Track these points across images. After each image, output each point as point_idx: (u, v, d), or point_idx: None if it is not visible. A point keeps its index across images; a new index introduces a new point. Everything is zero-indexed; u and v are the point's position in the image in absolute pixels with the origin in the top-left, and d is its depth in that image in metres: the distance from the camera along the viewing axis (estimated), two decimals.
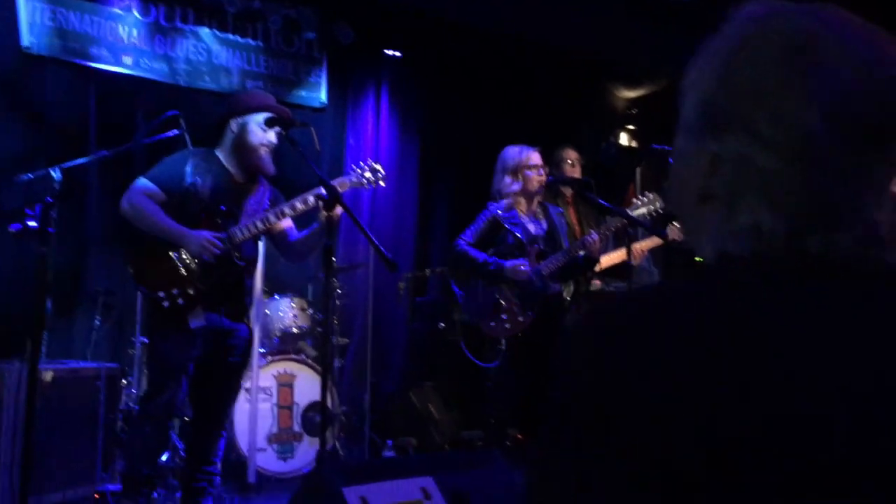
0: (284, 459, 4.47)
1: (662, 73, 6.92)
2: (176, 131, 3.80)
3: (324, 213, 3.26)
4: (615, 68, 6.97)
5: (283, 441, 4.49)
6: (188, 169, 3.35)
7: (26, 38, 4.86)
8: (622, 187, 6.92)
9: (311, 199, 3.35)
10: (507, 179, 3.98)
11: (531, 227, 3.99)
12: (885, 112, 0.72)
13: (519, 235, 3.91)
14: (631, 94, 7.20)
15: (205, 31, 5.62)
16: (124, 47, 5.34)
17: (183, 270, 3.26)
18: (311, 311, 4.91)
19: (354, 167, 3.51)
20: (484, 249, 3.92)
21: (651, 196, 4.05)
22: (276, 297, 4.87)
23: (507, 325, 3.82)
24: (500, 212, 3.94)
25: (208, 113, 5.34)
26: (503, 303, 3.84)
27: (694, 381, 0.65)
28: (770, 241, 0.72)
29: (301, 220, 3.58)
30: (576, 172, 4.90)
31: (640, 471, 0.64)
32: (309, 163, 3.10)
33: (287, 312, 4.79)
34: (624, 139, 7.17)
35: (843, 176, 0.71)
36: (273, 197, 3.54)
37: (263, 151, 3.40)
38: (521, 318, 3.83)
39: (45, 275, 2.60)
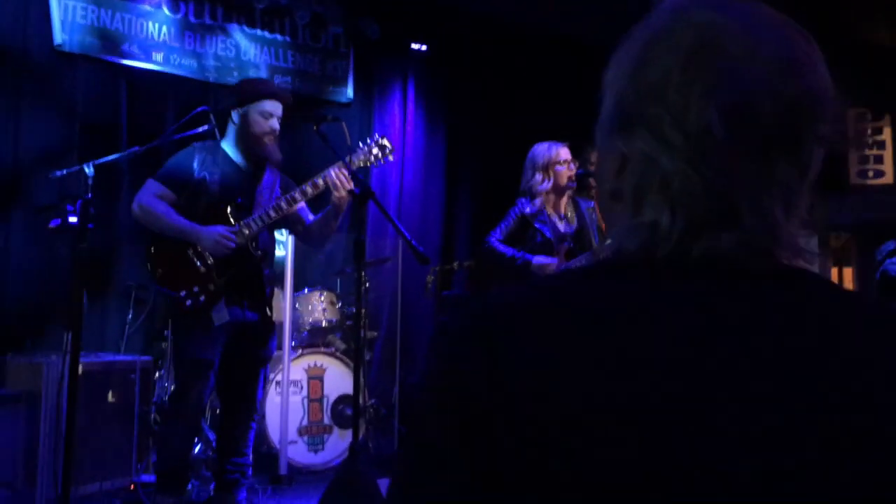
0: (315, 452, 4.51)
1: None
2: (206, 127, 3.84)
3: (335, 194, 3.29)
4: None
5: (314, 434, 4.53)
6: (195, 165, 3.35)
7: (59, 36, 4.92)
8: None
9: (320, 182, 3.34)
10: (538, 177, 3.97)
11: (560, 226, 3.98)
12: (792, 114, 0.70)
13: (547, 234, 3.91)
14: None
15: (233, 28, 5.66)
16: (155, 44, 5.39)
17: (201, 268, 3.27)
18: (340, 304, 4.94)
19: (361, 144, 3.46)
20: (513, 247, 3.92)
21: None
22: (306, 290, 4.91)
23: None
24: (528, 209, 3.94)
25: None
26: None
27: (545, 374, 0.66)
28: (663, 239, 0.71)
29: (316, 204, 3.59)
30: None
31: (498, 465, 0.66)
32: (342, 159, 3.12)
33: (316, 306, 4.83)
34: None
35: (743, 178, 0.70)
36: (284, 184, 3.54)
37: (267, 140, 3.40)
38: None
39: (84, 270, 2.64)
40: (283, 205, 3.34)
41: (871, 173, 10.01)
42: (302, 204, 3.42)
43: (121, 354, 4.13)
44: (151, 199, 3.30)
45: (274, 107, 3.45)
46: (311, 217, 3.54)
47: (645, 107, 0.72)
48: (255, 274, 3.45)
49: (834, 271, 10.77)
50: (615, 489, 0.63)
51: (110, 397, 3.92)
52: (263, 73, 5.78)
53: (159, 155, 5.10)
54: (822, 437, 0.65)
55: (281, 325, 4.65)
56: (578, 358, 0.66)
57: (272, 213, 3.34)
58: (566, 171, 3.95)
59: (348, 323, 5.00)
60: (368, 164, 3.43)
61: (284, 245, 4.42)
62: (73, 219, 2.63)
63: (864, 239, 10.29)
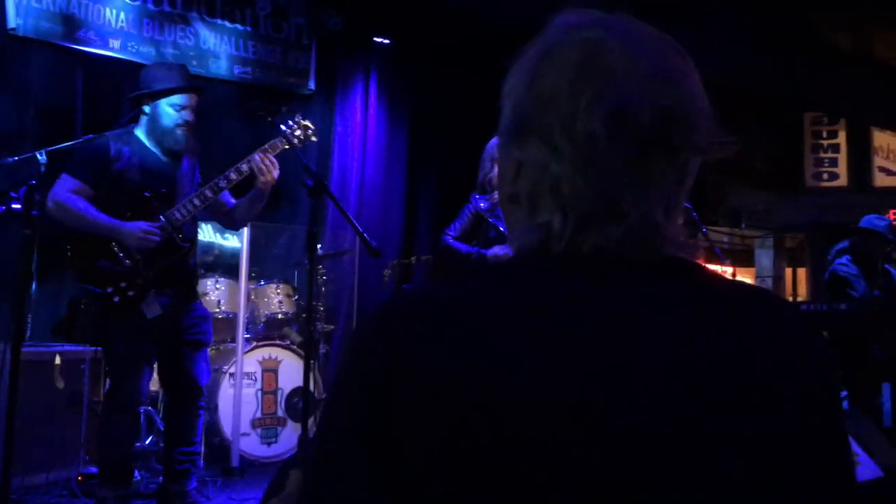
0: (268, 444, 4.50)
1: None
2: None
3: (260, 179, 3.27)
4: None
5: (267, 426, 4.52)
6: (112, 156, 3.26)
7: (13, 20, 4.84)
8: None
9: (244, 167, 3.30)
10: (496, 169, 4.00)
11: None
12: (667, 122, 0.75)
13: (501, 229, 3.94)
14: None
15: (193, 16, 5.61)
16: (112, 31, 5.32)
17: (127, 262, 3.20)
18: (296, 297, 4.93)
19: (283, 127, 3.39)
20: (469, 243, 3.95)
21: None
22: (262, 282, 4.89)
23: None
24: (483, 205, 3.97)
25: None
26: None
27: (447, 369, 0.69)
28: (558, 238, 0.76)
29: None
30: None
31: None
32: (298, 154, 3.11)
33: (273, 298, 4.81)
34: None
35: (624, 181, 0.75)
36: (201, 169, 3.51)
37: (180, 131, 3.34)
38: None
39: (30, 258, 2.61)
40: (209, 193, 3.29)
41: (825, 176, 10.22)
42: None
43: (70, 344, 4.07)
44: (68, 195, 3.19)
45: (187, 98, 3.37)
46: (232, 201, 3.49)
47: (538, 116, 0.78)
48: (183, 263, 3.40)
49: (788, 271, 11.00)
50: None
51: (59, 387, 3.87)
52: (224, 63, 5.74)
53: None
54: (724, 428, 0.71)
55: (236, 316, 4.63)
56: (495, 359, 0.69)
57: (197, 202, 3.28)
58: None
59: (304, 316, 4.99)
60: (294, 145, 3.35)
61: (240, 237, 4.39)
62: (16, 206, 2.59)
63: (818, 239, 10.49)
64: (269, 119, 3.19)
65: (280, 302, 4.82)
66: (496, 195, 4.00)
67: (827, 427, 0.75)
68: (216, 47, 5.74)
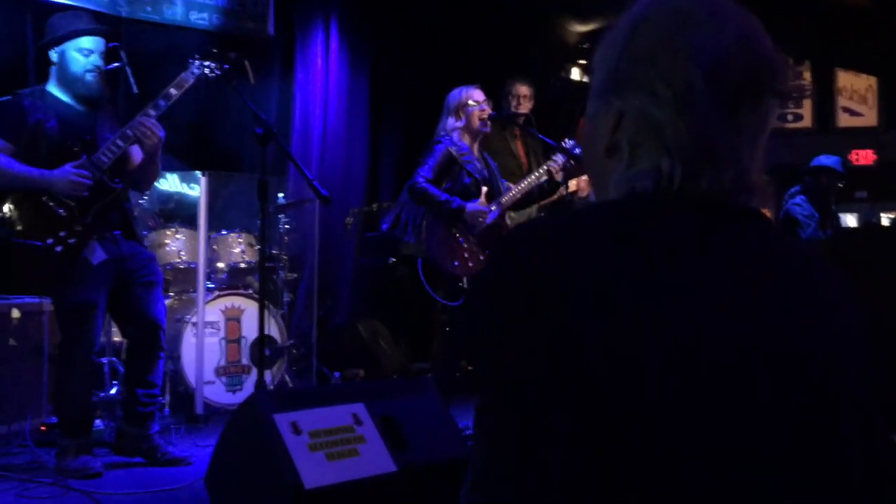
0: (233, 392, 4.54)
1: (614, 8, 6.90)
2: (117, 64, 3.72)
3: (146, 143, 3.25)
4: (567, 2, 6.93)
5: (232, 374, 4.55)
6: (27, 110, 3.21)
7: None
8: (573, 121, 6.96)
9: (161, 102, 3.26)
10: (451, 120, 4.01)
11: (479, 166, 4.04)
12: (753, 73, 0.85)
13: (474, 173, 3.96)
14: (583, 28, 7.19)
15: None
16: None
17: (62, 212, 3.17)
18: (258, 246, 4.91)
19: (191, 61, 3.37)
20: (439, 185, 3.95)
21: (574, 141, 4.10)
22: (224, 232, 4.88)
23: (471, 264, 3.89)
24: (453, 147, 3.97)
25: (150, 45, 5.26)
26: (464, 242, 3.90)
27: (583, 292, 0.75)
28: (669, 180, 0.84)
29: None
30: (525, 107, 4.91)
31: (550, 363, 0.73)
32: (245, 99, 3.09)
33: (234, 248, 4.80)
34: (576, 74, 7.18)
35: (720, 126, 0.84)
36: (112, 118, 3.46)
37: (90, 76, 3.29)
38: (482, 257, 3.90)
39: None
40: (129, 132, 3.25)
41: (790, 117, 10.27)
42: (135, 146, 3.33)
43: (29, 297, 4.05)
44: None
45: (95, 42, 3.32)
46: (141, 156, 3.42)
47: (638, 71, 0.86)
48: (119, 206, 3.39)
49: None
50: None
51: (14, 340, 3.87)
52: (179, 8, 5.62)
53: None
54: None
55: (197, 266, 4.62)
56: (654, 288, 0.76)
57: (120, 143, 3.25)
58: (477, 112, 3.98)
59: (268, 264, 4.99)
60: (207, 79, 3.35)
61: (198, 186, 4.36)
62: None
63: (783, 181, 10.60)
64: (221, 73, 3.15)
65: (242, 251, 4.81)
66: (457, 135, 4.00)
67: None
68: None
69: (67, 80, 3.29)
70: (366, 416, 2.47)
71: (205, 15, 5.77)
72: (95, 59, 3.30)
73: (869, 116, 10.09)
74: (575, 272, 0.75)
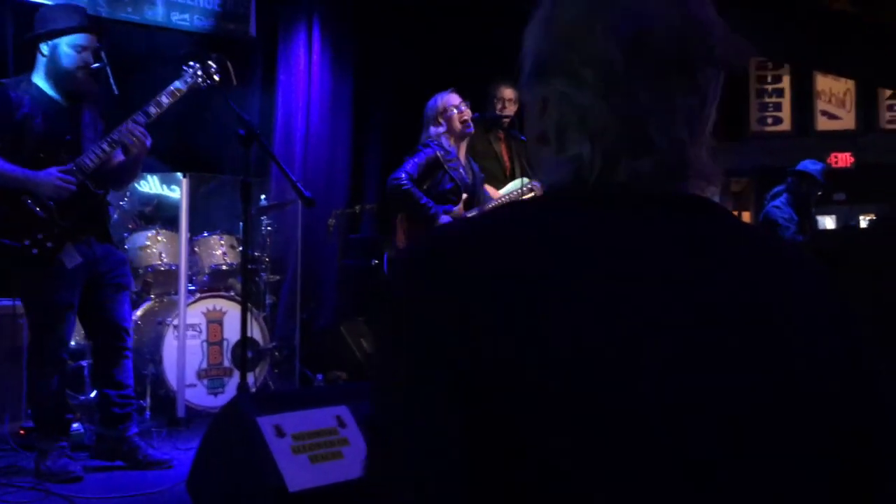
0: (215, 395, 4.51)
1: None
2: (97, 64, 3.69)
3: (132, 150, 3.22)
4: None
5: (214, 377, 4.53)
6: (12, 104, 3.16)
7: None
8: None
9: (152, 109, 3.24)
10: (431, 128, 4.02)
11: (463, 173, 4.05)
12: (681, 42, 0.77)
13: (456, 178, 3.96)
14: None
15: None
16: None
17: (41, 213, 3.13)
18: (240, 248, 4.90)
19: (185, 68, 3.35)
20: (421, 186, 3.96)
21: None
22: (206, 234, 4.86)
23: None
24: (441, 152, 3.97)
25: (131, 46, 5.23)
26: None
27: (493, 298, 0.70)
28: (588, 170, 0.78)
29: None
30: (510, 110, 4.92)
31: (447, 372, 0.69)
32: (228, 100, 3.08)
33: (216, 250, 4.78)
34: None
35: (649, 105, 0.77)
36: (101, 114, 3.43)
37: (81, 74, 3.26)
38: None
39: None
40: (116, 137, 3.22)
41: (770, 121, 10.38)
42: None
43: (4, 299, 4.01)
44: None
45: (88, 39, 3.29)
46: (121, 158, 3.39)
47: (558, 53, 0.80)
48: (98, 210, 3.37)
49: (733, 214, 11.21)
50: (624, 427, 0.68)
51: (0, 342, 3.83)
52: (160, 9, 5.59)
53: None
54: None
55: (178, 268, 4.60)
56: (561, 291, 0.70)
57: (106, 147, 3.22)
58: (457, 115, 3.99)
59: (250, 266, 4.97)
60: (199, 87, 3.33)
61: (179, 188, 4.34)
62: None
63: (762, 184, 10.70)
64: (205, 77, 3.13)
65: (224, 253, 4.79)
66: (446, 141, 4.01)
67: (852, 353, 0.78)
68: None
69: (57, 75, 3.25)
70: (350, 418, 2.46)
71: (186, 16, 5.74)
72: (87, 57, 3.26)
73: (847, 120, 10.22)
74: (475, 284, 0.70)
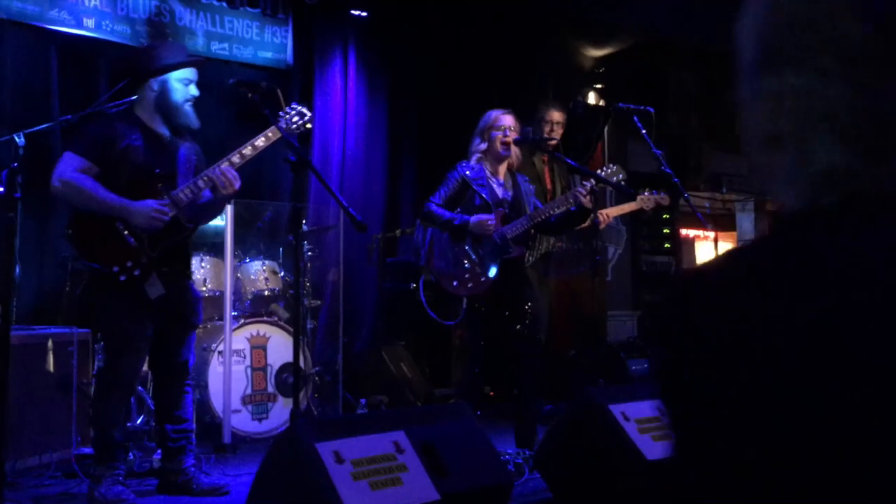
0: (259, 420, 4.52)
1: (628, 32, 6.95)
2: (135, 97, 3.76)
3: (221, 192, 3.26)
4: (582, 27, 6.97)
5: (258, 402, 4.54)
6: (117, 134, 3.25)
7: None
8: (591, 146, 6.98)
9: (247, 151, 3.30)
10: (477, 140, 4.03)
11: (498, 191, 4.03)
12: None
13: (486, 196, 3.95)
14: (598, 52, 7.23)
15: None
16: (85, 9, 5.26)
17: (133, 242, 3.20)
18: (282, 273, 4.93)
19: (280, 114, 3.41)
20: (453, 210, 3.96)
21: (614, 168, 4.09)
22: (248, 260, 4.89)
23: (470, 285, 3.88)
24: (468, 172, 3.98)
25: None
26: (466, 263, 3.89)
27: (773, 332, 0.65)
28: (845, 178, 0.67)
29: None
30: (557, 134, 4.89)
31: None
32: (275, 125, 3.11)
33: (258, 276, 4.81)
34: (591, 98, 7.20)
35: None
36: (196, 150, 3.50)
37: (188, 107, 3.36)
38: (483, 279, 3.88)
39: (13, 240, 2.60)
40: (211, 176, 3.28)
41: None
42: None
43: (57, 327, 4.06)
44: (74, 173, 3.19)
45: (193, 73, 3.40)
46: (209, 195, 3.43)
47: (790, 40, 0.69)
48: (184, 245, 3.44)
49: None
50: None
51: (50, 369, 3.87)
52: (200, 39, 5.68)
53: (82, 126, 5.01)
54: None
55: (222, 294, 4.63)
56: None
57: (201, 184, 3.29)
58: (500, 137, 3.99)
59: (291, 292, 4.99)
60: (292, 133, 3.39)
61: (224, 215, 4.37)
62: None
63: None
64: (250, 95, 3.16)
65: (266, 279, 4.82)
66: (476, 162, 4.01)
67: None
68: (192, 24, 5.68)
69: (167, 108, 3.35)
70: (406, 443, 2.45)
71: (225, 45, 5.83)
72: (193, 89, 3.38)
73: None
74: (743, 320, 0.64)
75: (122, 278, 3.17)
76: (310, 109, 6.06)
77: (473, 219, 3.87)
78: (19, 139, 3.82)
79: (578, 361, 5.62)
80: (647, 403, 3.06)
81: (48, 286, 4.92)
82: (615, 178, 4.00)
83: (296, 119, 3.42)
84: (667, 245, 8.10)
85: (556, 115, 4.90)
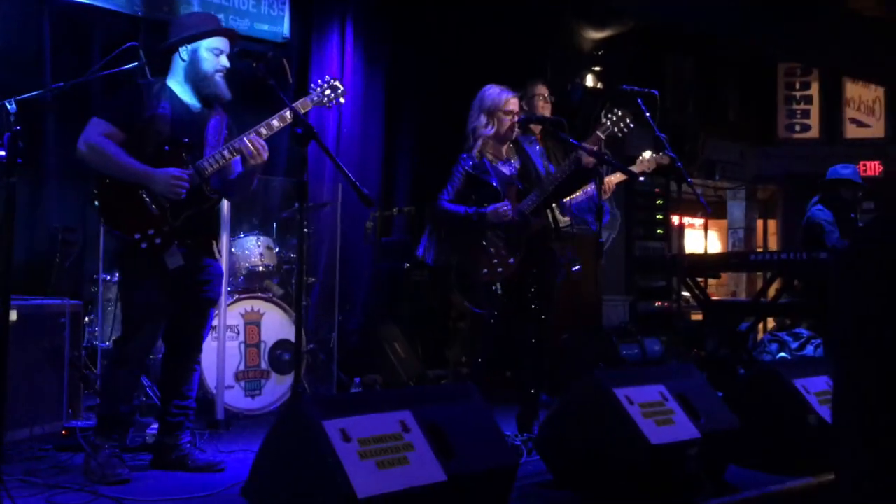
0: (252, 397, 4.47)
1: (630, 15, 6.90)
2: (135, 63, 3.67)
3: (250, 161, 3.21)
4: (582, 8, 6.91)
5: (251, 378, 4.49)
6: (146, 102, 3.20)
7: None
8: (588, 128, 6.93)
9: (275, 123, 3.25)
10: (483, 119, 3.93)
11: (505, 170, 3.97)
12: None
13: (494, 183, 3.90)
14: (597, 35, 7.17)
15: None
16: None
17: (156, 210, 3.14)
18: (277, 249, 4.87)
19: (313, 86, 3.38)
20: (465, 203, 3.91)
21: (620, 113, 3.99)
22: (242, 235, 4.82)
23: (500, 270, 3.82)
24: (471, 164, 3.92)
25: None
26: (491, 249, 3.84)
27: None
28: None
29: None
30: (547, 109, 4.85)
31: None
32: (281, 96, 3.04)
33: (253, 251, 4.74)
34: (590, 80, 7.16)
35: None
36: (228, 123, 3.43)
37: (218, 77, 3.29)
38: (511, 261, 3.84)
39: (13, 207, 2.53)
40: (237, 144, 3.22)
41: (798, 128, 10.28)
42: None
43: (49, 298, 3.98)
44: (100, 138, 3.13)
45: (224, 43, 3.33)
46: (240, 168, 3.38)
47: None
48: (209, 216, 3.37)
49: (759, 223, 11.11)
50: None
51: (39, 341, 3.80)
52: (196, 8, 5.57)
53: (86, 91, 4.91)
54: None
55: None
56: None
57: (227, 154, 3.22)
58: (510, 122, 3.93)
59: (286, 268, 4.94)
60: (322, 105, 3.36)
61: None
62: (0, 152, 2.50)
63: (790, 191, 10.61)
64: (254, 65, 3.08)
65: (261, 254, 4.75)
66: (478, 145, 3.94)
67: None
68: None
69: (197, 78, 3.28)
70: (413, 422, 2.41)
71: (221, 16, 5.69)
72: (224, 60, 3.30)
73: (876, 128, 10.12)
74: None
75: (144, 246, 3.12)
76: (306, 84, 6.09)
77: (489, 209, 3.81)
78: (11, 106, 3.72)
79: (570, 345, 5.60)
80: (650, 388, 3.04)
81: (38, 257, 4.84)
82: (620, 125, 3.91)
83: (328, 93, 3.37)
84: (659, 231, 8.11)
85: (544, 89, 4.88)
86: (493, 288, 3.83)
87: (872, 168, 9.70)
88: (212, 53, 3.28)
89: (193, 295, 3.31)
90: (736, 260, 5.72)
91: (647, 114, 4.18)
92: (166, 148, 3.20)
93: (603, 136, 3.88)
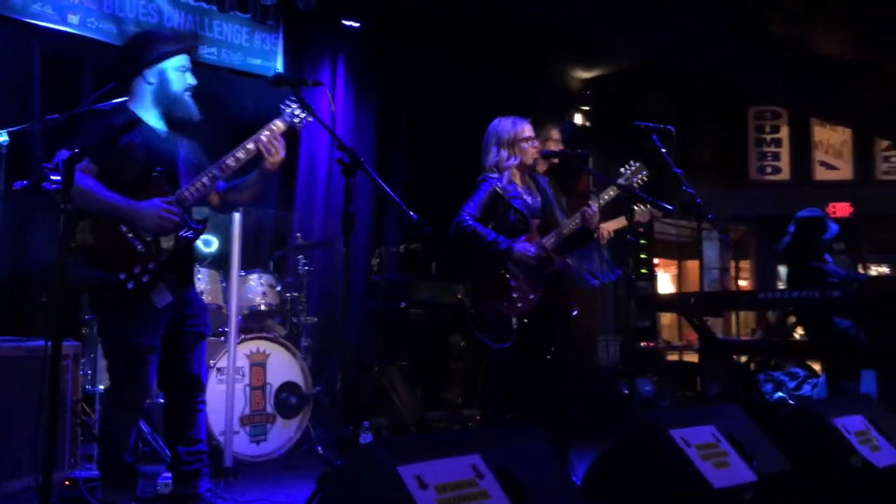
0: (257, 443, 4.25)
1: (616, 55, 6.97)
2: (125, 98, 3.48)
3: (269, 160, 3.07)
4: (571, 49, 6.96)
5: (256, 423, 4.28)
6: (116, 131, 2.89)
7: None
8: (578, 167, 6.93)
9: (251, 146, 3.06)
10: (504, 153, 3.85)
11: (529, 200, 3.89)
12: None
13: (521, 209, 3.81)
14: (585, 75, 7.22)
15: None
16: (70, 5, 5.00)
17: (139, 246, 2.92)
18: (279, 287, 4.68)
19: (283, 107, 3.19)
20: (486, 223, 3.79)
21: (636, 165, 3.98)
22: (243, 273, 4.62)
23: (520, 305, 3.70)
24: (499, 185, 3.82)
25: None
26: (513, 282, 3.72)
27: None
28: None
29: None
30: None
31: None
32: (326, 126, 2.93)
33: (255, 289, 4.55)
34: (578, 119, 7.18)
35: None
36: (195, 148, 3.24)
37: (188, 96, 3.11)
38: (531, 297, 3.72)
39: (70, 235, 2.34)
40: (217, 171, 3.02)
41: (769, 170, 10.50)
42: None
43: (36, 339, 3.72)
44: (76, 173, 2.80)
45: (187, 60, 3.15)
46: (223, 184, 3.21)
47: None
48: (188, 249, 3.14)
49: (732, 263, 11.25)
50: None
51: (30, 385, 3.55)
52: None
53: (75, 123, 4.71)
54: None
55: (218, 308, 4.37)
56: None
57: (206, 181, 3.02)
58: (531, 149, 3.86)
59: (288, 308, 4.76)
60: (294, 126, 3.16)
61: (230, 225, 4.10)
62: (55, 177, 2.31)
63: (761, 232, 10.78)
64: (296, 96, 2.96)
65: (263, 293, 4.56)
66: (507, 176, 3.86)
67: None
68: (180, 26, 5.45)
69: (167, 101, 3.08)
70: (484, 467, 2.27)
71: (213, 50, 5.61)
72: (190, 77, 3.11)
73: (844, 170, 10.37)
74: None
75: (130, 286, 2.88)
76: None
77: (518, 247, 3.70)
78: (2, 136, 3.53)
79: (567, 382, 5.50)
80: (702, 429, 2.94)
81: (22, 297, 4.59)
82: (637, 177, 3.89)
83: (298, 112, 3.17)
84: (643, 270, 8.13)
85: (556, 133, 4.84)
86: (511, 322, 3.72)
87: (842, 209, 9.92)
88: (178, 72, 3.09)
89: (181, 332, 3.09)
90: (746, 298, 5.70)
91: (664, 150, 4.15)
92: (144, 179, 2.97)
93: (619, 187, 3.85)
